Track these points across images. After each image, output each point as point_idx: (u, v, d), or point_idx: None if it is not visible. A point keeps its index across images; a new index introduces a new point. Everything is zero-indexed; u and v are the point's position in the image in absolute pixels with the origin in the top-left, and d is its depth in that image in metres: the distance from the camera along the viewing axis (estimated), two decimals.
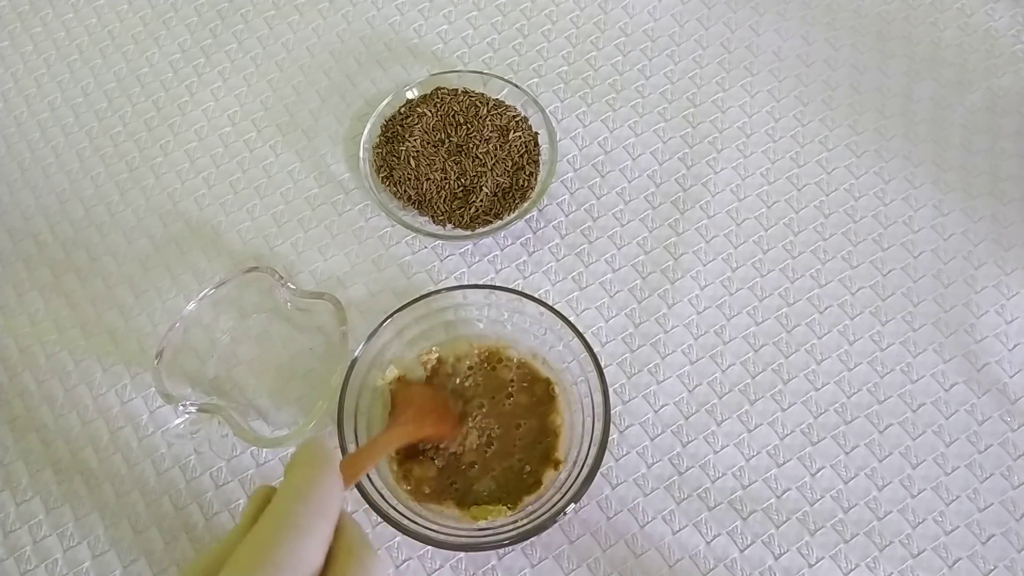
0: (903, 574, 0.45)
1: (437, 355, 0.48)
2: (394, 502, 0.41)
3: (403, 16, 0.61)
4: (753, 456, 0.47)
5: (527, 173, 0.54)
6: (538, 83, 0.58)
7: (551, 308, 0.44)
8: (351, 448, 0.42)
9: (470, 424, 0.46)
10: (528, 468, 0.45)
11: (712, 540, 0.46)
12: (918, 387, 0.49)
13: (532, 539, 0.42)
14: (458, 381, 0.47)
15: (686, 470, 0.47)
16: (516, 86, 0.55)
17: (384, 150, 0.55)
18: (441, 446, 0.45)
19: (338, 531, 0.29)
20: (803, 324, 0.51)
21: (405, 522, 0.40)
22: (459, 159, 0.54)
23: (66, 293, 0.53)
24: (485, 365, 0.48)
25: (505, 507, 0.44)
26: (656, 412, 0.49)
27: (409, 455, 0.45)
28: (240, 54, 0.61)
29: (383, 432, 0.41)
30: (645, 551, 0.45)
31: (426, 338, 0.47)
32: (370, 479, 0.41)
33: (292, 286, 0.50)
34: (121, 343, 0.52)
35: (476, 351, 0.48)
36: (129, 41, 0.62)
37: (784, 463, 0.47)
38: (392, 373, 0.47)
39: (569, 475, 0.43)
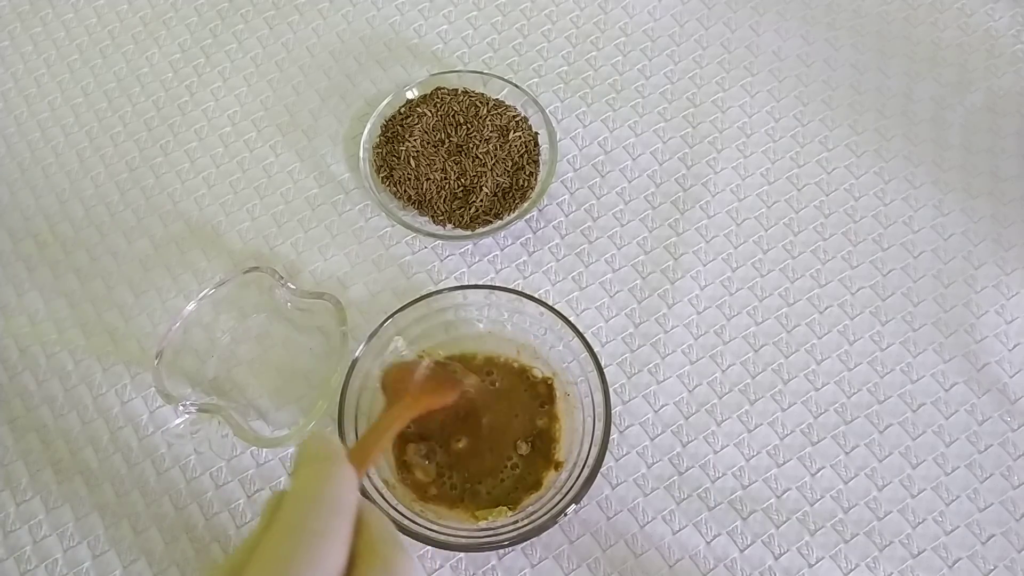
0: (903, 574, 0.45)
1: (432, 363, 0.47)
2: (394, 502, 0.41)
3: (403, 16, 0.61)
4: (753, 456, 0.47)
5: (527, 173, 0.54)
6: (538, 83, 0.58)
7: (551, 308, 0.44)
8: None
9: (470, 424, 0.46)
10: (529, 468, 0.45)
11: (712, 540, 0.46)
12: (918, 387, 0.49)
13: (532, 539, 0.42)
14: (457, 384, 0.47)
15: (686, 470, 0.47)
16: (516, 86, 0.55)
17: (384, 150, 0.55)
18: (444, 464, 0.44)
19: (360, 527, 0.26)
20: (803, 324, 0.51)
21: (405, 523, 0.40)
22: (459, 159, 0.54)
23: (66, 293, 0.53)
24: (484, 366, 0.48)
25: (506, 508, 0.44)
26: (656, 412, 0.49)
27: (404, 466, 0.45)
28: (240, 54, 0.61)
29: (384, 413, 0.39)
30: (645, 551, 0.45)
31: (426, 338, 0.47)
32: (370, 479, 0.41)
33: (292, 286, 0.50)
34: (121, 343, 0.52)
35: (475, 352, 0.48)
36: (129, 41, 0.62)
37: (784, 463, 0.47)
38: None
39: (570, 476, 0.43)
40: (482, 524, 0.43)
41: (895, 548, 0.45)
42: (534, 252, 0.53)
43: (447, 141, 0.55)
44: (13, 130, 0.59)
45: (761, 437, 0.48)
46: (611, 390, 0.48)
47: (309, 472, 0.27)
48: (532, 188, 0.53)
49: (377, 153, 0.55)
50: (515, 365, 0.48)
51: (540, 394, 0.47)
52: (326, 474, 0.27)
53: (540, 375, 0.47)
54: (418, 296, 0.45)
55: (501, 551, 0.46)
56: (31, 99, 0.60)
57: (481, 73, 0.56)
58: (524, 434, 0.46)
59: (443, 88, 0.56)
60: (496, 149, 0.54)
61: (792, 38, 0.59)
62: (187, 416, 0.47)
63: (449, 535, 0.40)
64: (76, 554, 0.47)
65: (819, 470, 0.47)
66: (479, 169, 0.53)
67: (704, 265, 0.52)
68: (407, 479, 0.44)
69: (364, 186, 0.54)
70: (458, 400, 0.44)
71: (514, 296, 0.45)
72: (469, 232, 0.52)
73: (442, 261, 0.53)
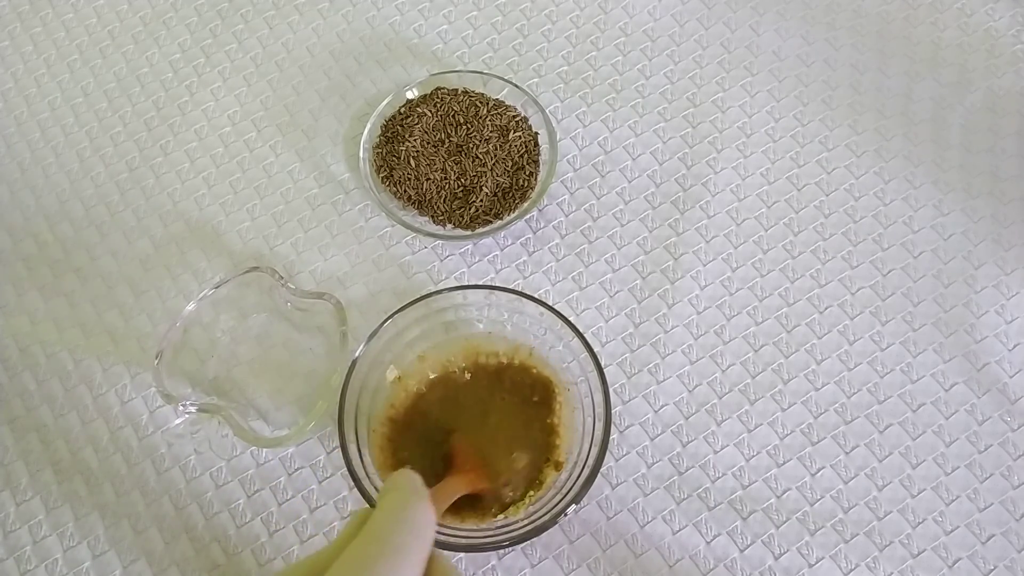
0: (903, 574, 0.45)
1: (431, 371, 0.47)
2: None
3: (403, 16, 0.61)
4: (753, 456, 0.47)
5: (527, 173, 0.54)
6: (538, 83, 0.58)
7: (551, 308, 0.44)
8: (351, 447, 0.42)
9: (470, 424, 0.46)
10: (529, 469, 0.45)
11: (712, 540, 0.46)
12: (918, 387, 0.49)
13: (532, 539, 0.42)
14: (458, 385, 0.47)
15: (686, 470, 0.47)
16: (516, 86, 0.55)
17: (384, 150, 0.55)
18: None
19: (432, 560, 0.30)
20: (803, 324, 0.51)
21: None
22: (459, 159, 0.54)
23: (66, 293, 0.53)
24: (484, 366, 0.48)
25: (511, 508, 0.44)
26: (656, 412, 0.49)
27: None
28: (240, 54, 0.61)
29: (452, 479, 0.42)
30: (645, 551, 0.45)
31: (426, 338, 0.47)
32: (370, 480, 0.41)
33: (292, 286, 0.50)
34: (121, 343, 0.52)
35: (475, 352, 0.48)
36: (129, 41, 0.62)
37: (784, 463, 0.47)
38: (392, 373, 0.47)
39: (570, 476, 0.43)
40: (482, 524, 0.43)
41: (895, 548, 0.45)
42: (534, 252, 0.53)
43: (447, 141, 0.55)
44: (13, 130, 0.59)
45: (761, 437, 0.48)
46: (611, 390, 0.48)
47: (397, 497, 0.31)
48: (532, 188, 0.53)
49: (377, 153, 0.55)
50: (516, 364, 0.48)
51: (540, 394, 0.47)
52: (411, 503, 0.30)
53: (540, 375, 0.47)
54: (418, 296, 0.45)
55: (501, 551, 0.46)
56: (31, 99, 0.60)
57: (481, 73, 0.56)
58: (524, 434, 0.46)
59: (443, 88, 0.56)
60: (496, 149, 0.54)
61: (792, 38, 0.59)
62: (187, 416, 0.47)
63: (449, 535, 0.40)
64: (76, 554, 0.47)
65: (819, 470, 0.47)
66: (479, 169, 0.53)
67: (704, 265, 0.52)
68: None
69: (364, 186, 0.54)
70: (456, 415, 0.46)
71: (514, 296, 0.45)
72: (469, 232, 0.52)
73: (442, 261, 0.53)
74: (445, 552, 0.32)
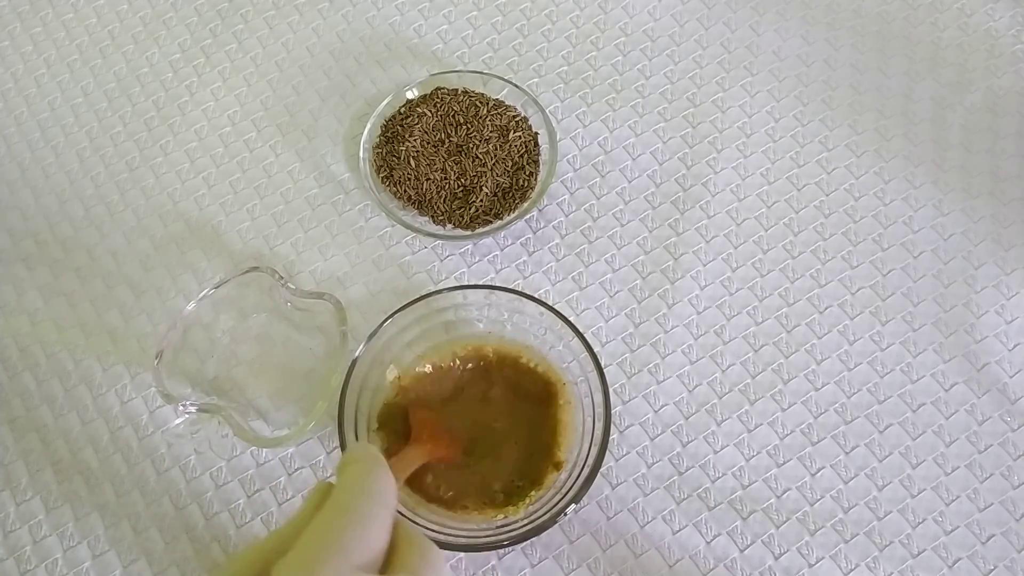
0: (903, 574, 0.45)
1: (429, 365, 0.47)
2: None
3: (403, 16, 0.61)
4: (753, 456, 0.47)
5: (527, 173, 0.54)
6: (538, 83, 0.58)
7: (551, 308, 0.44)
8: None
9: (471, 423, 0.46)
10: (529, 468, 0.45)
11: (712, 540, 0.46)
12: (918, 387, 0.49)
13: (532, 539, 0.42)
14: (457, 383, 0.47)
15: (686, 470, 0.47)
16: (516, 86, 0.55)
17: (384, 150, 0.55)
18: (443, 466, 0.45)
19: (396, 525, 0.30)
20: (803, 324, 0.51)
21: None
22: (459, 159, 0.54)
23: (66, 293, 0.53)
24: (482, 366, 0.48)
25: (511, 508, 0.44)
26: (656, 412, 0.49)
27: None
28: (240, 54, 0.61)
29: (408, 449, 0.43)
30: (645, 551, 0.45)
31: (426, 338, 0.47)
32: None
33: (292, 286, 0.50)
34: (121, 343, 0.52)
35: (475, 353, 0.48)
36: (129, 41, 0.62)
37: (784, 463, 0.47)
38: (392, 373, 0.47)
39: (570, 475, 0.43)
40: (483, 524, 0.43)
41: (895, 548, 0.45)
42: (534, 252, 0.53)
43: (447, 141, 0.55)
44: (13, 130, 0.59)
45: (761, 437, 0.48)
46: (611, 390, 0.48)
47: (357, 469, 0.31)
48: (532, 188, 0.53)
49: (377, 153, 0.55)
50: (516, 363, 0.48)
51: (540, 394, 0.47)
52: (372, 472, 0.31)
53: (540, 375, 0.47)
54: (418, 296, 0.45)
55: (501, 551, 0.46)
56: (31, 99, 0.60)
57: (481, 73, 0.56)
58: (525, 435, 0.46)
59: (443, 88, 0.56)
60: (496, 149, 0.54)
61: (792, 38, 0.59)
62: (187, 416, 0.47)
63: (448, 535, 0.40)
64: (76, 554, 0.47)
65: (819, 470, 0.47)
66: (479, 169, 0.53)
67: (704, 265, 0.52)
68: (414, 483, 0.44)
69: (364, 186, 0.54)
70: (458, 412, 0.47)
71: (514, 296, 0.45)
72: (469, 232, 0.52)
73: (442, 261, 0.53)
74: (405, 519, 0.32)
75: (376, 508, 0.29)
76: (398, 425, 0.46)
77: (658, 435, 0.48)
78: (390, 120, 0.56)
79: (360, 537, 0.28)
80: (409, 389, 0.47)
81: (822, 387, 0.49)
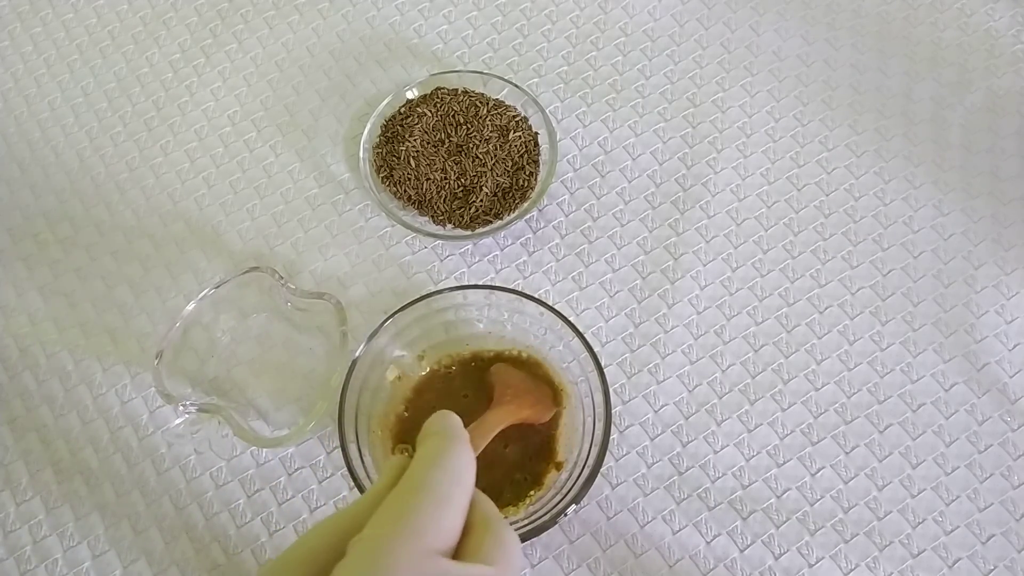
0: (903, 574, 0.45)
1: (428, 366, 0.47)
2: None
3: (403, 16, 0.61)
4: (753, 456, 0.47)
5: (527, 173, 0.54)
6: (538, 83, 0.58)
7: (551, 308, 0.44)
8: (351, 447, 0.42)
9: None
10: (529, 469, 0.45)
11: (712, 540, 0.46)
12: (918, 387, 0.49)
13: (532, 539, 0.42)
14: (457, 383, 0.47)
15: (686, 470, 0.47)
16: (516, 86, 0.55)
17: (384, 150, 0.55)
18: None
19: (473, 506, 0.29)
20: (803, 324, 0.51)
21: None
22: (459, 159, 0.54)
23: (66, 293, 0.53)
24: (477, 366, 0.48)
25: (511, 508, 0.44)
26: (656, 412, 0.49)
27: None
28: (240, 54, 0.61)
29: (490, 412, 0.41)
30: (645, 551, 0.45)
31: (426, 338, 0.47)
32: (370, 478, 0.41)
33: (292, 286, 0.50)
34: (121, 343, 0.52)
35: (475, 352, 0.48)
36: (129, 41, 0.62)
37: (784, 463, 0.47)
38: (392, 373, 0.47)
39: (570, 476, 0.43)
40: None
41: (895, 548, 0.45)
42: (534, 252, 0.53)
43: (447, 141, 0.55)
44: (13, 130, 0.59)
45: (761, 437, 0.48)
46: (611, 390, 0.48)
47: (437, 443, 0.30)
48: (532, 188, 0.53)
49: (377, 153, 0.55)
50: (516, 363, 0.48)
51: (540, 394, 0.47)
52: (452, 449, 0.29)
53: (540, 375, 0.47)
54: (418, 296, 0.45)
55: None
56: (31, 99, 0.60)
57: (481, 73, 0.56)
58: (525, 434, 0.46)
59: (443, 88, 0.56)
60: (496, 149, 0.54)
61: (792, 38, 0.59)
62: (187, 416, 0.47)
63: None
64: (76, 554, 0.47)
65: (819, 470, 0.47)
66: (479, 169, 0.53)
67: (704, 265, 0.52)
68: None
69: (364, 186, 0.54)
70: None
71: (514, 296, 0.45)
72: (469, 232, 0.52)
73: (442, 261, 0.53)
74: (485, 496, 0.31)
75: (453, 488, 0.28)
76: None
77: (658, 435, 0.48)
78: (390, 120, 0.56)
79: (436, 518, 0.27)
80: (416, 399, 0.47)
81: (822, 387, 0.49)
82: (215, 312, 0.51)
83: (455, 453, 0.29)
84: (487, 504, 0.30)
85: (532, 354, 0.48)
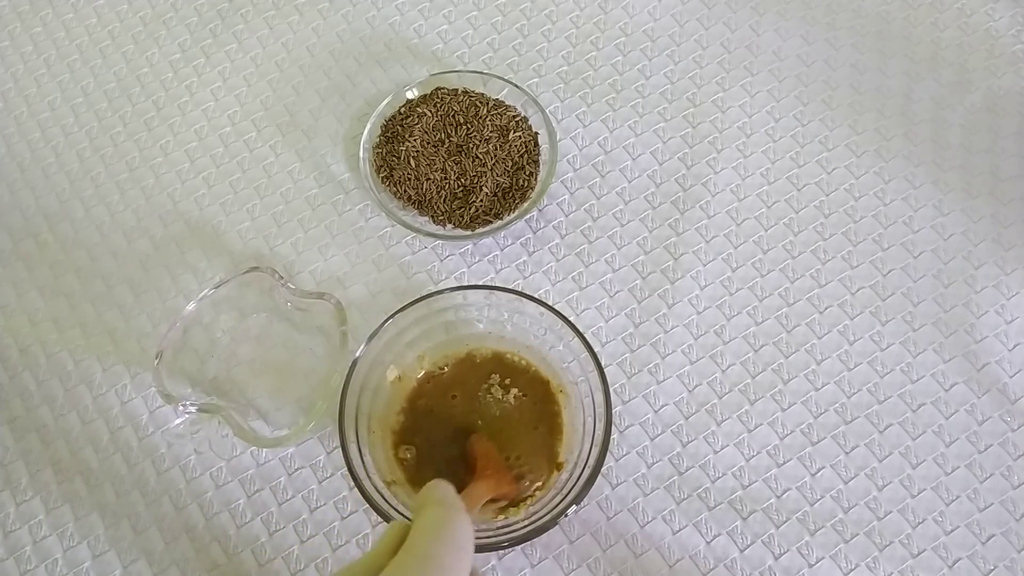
0: (903, 574, 0.45)
1: (426, 367, 0.47)
2: (394, 502, 0.41)
3: (403, 16, 0.61)
4: (753, 456, 0.47)
5: (527, 173, 0.54)
6: (538, 83, 0.58)
7: (551, 308, 0.44)
8: (351, 447, 0.42)
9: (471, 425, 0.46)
10: (529, 469, 0.45)
11: (712, 540, 0.46)
12: (918, 387, 0.49)
13: (532, 539, 0.42)
14: (447, 383, 0.47)
15: (686, 470, 0.47)
16: (516, 86, 0.55)
17: (384, 150, 0.55)
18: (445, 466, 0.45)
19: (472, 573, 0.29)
20: (803, 324, 0.51)
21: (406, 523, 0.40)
22: (459, 159, 0.54)
23: (66, 293, 0.53)
24: (482, 365, 0.48)
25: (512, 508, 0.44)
26: (656, 412, 0.49)
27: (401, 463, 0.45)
28: (240, 54, 0.61)
29: (475, 484, 0.41)
30: (645, 551, 0.45)
31: (426, 339, 0.47)
32: (371, 479, 0.41)
33: (292, 286, 0.50)
34: (121, 343, 0.52)
35: (474, 353, 0.48)
36: (129, 41, 0.62)
37: (784, 463, 0.47)
38: (392, 373, 0.47)
39: (570, 476, 0.43)
40: (483, 524, 0.43)
41: (895, 548, 0.45)
42: (534, 252, 0.53)
43: (447, 141, 0.55)
44: (13, 130, 0.59)
45: (761, 437, 0.48)
46: (611, 390, 0.48)
47: (437, 513, 0.30)
48: (532, 188, 0.53)
49: (377, 153, 0.55)
50: (516, 363, 0.48)
51: (540, 394, 0.47)
52: (453, 518, 0.30)
53: (540, 375, 0.47)
54: (418, 296, 0.45)
55: (501, 551, 0.46)
56: (31, 99, 0.60)
57: (481, 73, 0.56)
58: (525, 435, 0.46)
59: (443, 88, 0.56)
60: (496, 149, 0.54)
61: (792, 38, 0.59)
62: (187, 416, 0.47)
63: None
64: (76, 554, 0.47)
65: (819, 470, 0.47)
66: (479, 169, 0.53)
67: (704, 265, 0.52)
68: (414, 481, 0.44)
69: (364, 186, 0.54)
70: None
71: (514, 296, 0.45)
72: (469, 232, 0.52)
73: (442, 261, 0.53)
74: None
75: (457, 560, 0.28)
76: (419, 443, 0.46)
77: (658, 435, 0.48)
78: (390, 120, 0.56)
79: None
80: (416, 398, 0.47)
81: (822, 387, 0.49)
82: (215, 312, 0.51)
83: (456, 523, 0.30)
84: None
85: (526, 356, 0.48)
